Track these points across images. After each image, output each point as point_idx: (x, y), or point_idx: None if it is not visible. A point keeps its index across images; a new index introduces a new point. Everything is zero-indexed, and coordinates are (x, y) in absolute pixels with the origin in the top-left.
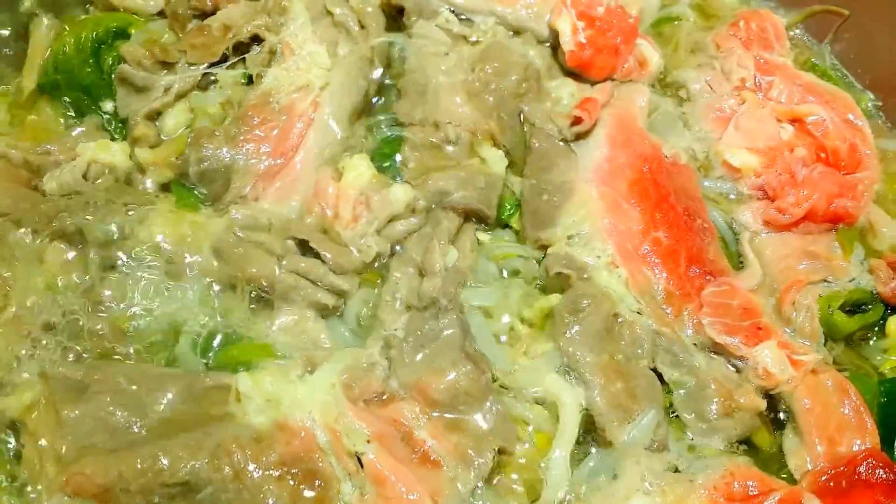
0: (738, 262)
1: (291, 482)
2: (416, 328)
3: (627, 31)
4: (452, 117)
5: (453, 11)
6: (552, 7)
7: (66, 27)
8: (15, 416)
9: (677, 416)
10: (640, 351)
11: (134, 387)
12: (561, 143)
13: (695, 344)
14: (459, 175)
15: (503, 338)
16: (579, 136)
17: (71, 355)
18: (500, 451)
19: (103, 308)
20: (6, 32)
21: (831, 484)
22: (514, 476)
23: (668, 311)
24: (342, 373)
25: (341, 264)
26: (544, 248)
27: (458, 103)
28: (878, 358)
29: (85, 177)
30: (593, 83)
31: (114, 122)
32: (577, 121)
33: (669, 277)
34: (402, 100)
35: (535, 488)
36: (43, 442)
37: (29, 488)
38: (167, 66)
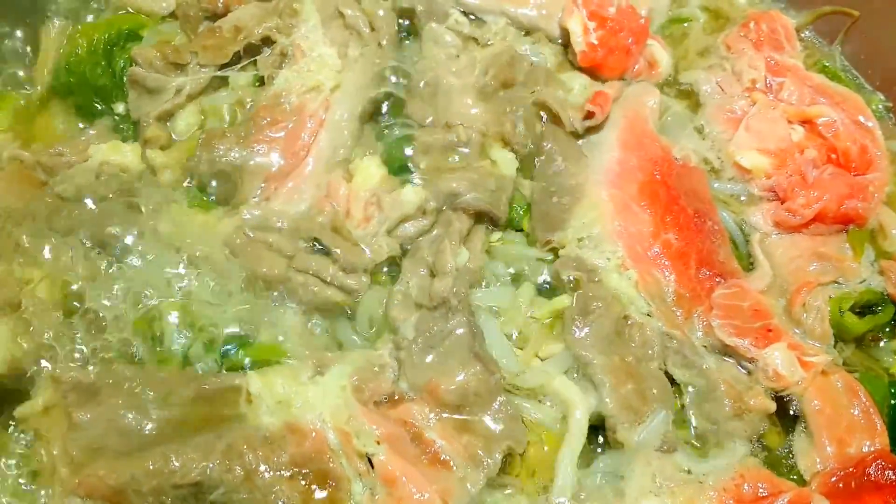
0: (749, 264)
1: (303, 483)
2: (425, 329)
3: (638, 32)
4: (464, 119)
5: (464, 12)
6: (563, 7)
7: (79, 29)
8: (28, 420)
9: (688, 418)
10: (650, 353)
11: (145, 389)
12: (571, 143)
13: (705, 346)
14: (471, 177)
15: (513, 339)
16: (590, 130)
17: (82, 358)
18: (510, 452)
19: (114, 309)
20: (18, 35)
21: (841, 485)
22: (524, 476)
23: (678, 314)
24: (352, 374)
25: (352, 262)
26: (554, 250)
27: (469, 105)
28: (889, 359)
29: (97, 178)
30: (604, 82)
31: (126, 124)
32: (589, 115)
33: (679, 279)
34: (414, 101)
35: (545, 488)
36: (55, 445)
37: (42, 491)
38: (178, 67)
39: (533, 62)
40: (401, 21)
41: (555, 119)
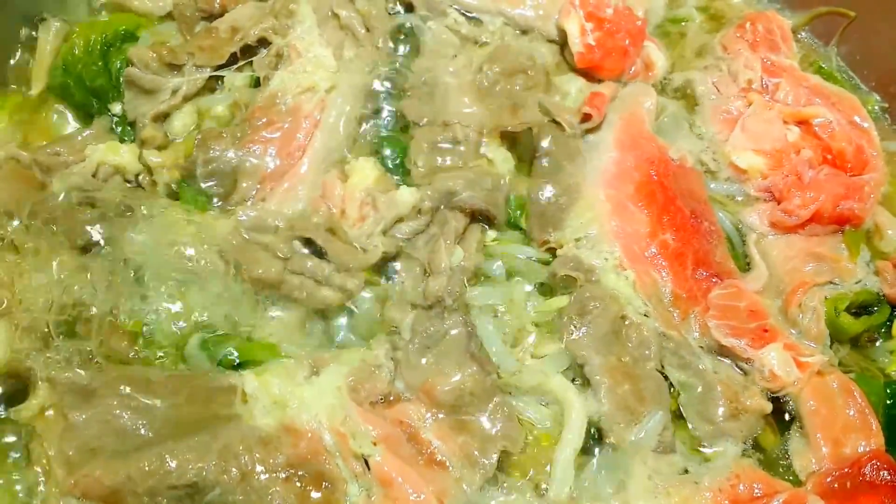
0: (745, 264)
1: (298, 484)
2: (421, 329)
3: (635, 33)
4: (461, 118)
5: (462, 12)
6: (560, 7)
7: (76, 29)
8: (23, 421)
9: (683, 419)
10: (647, 353)
11: (141, 389)
12: (569, 143)
13: (701, 346)
14: (467, 175)
15: (510, 339)
16: (587, 130)
17: (78, 358)
18: (506, 452)
19: (110, 310)
20: (15, 34)
21: (836, 485)
22: (520, 476)
23: (674, 314)
24: (348, 375)
25: (347, 263)
26: (552, 249)
27: (466, 104)
28: (885, 360)
29: (94, 178)
30: (600, 83)
31: (123, 124)
32: (586, 117)
33: (676, 280)
34: (410, 100)
35: (542, 488)
36: (51, 445)
37: (38, 491)
38: (175, 68)
39: (533, 55)
40: (398, 18)
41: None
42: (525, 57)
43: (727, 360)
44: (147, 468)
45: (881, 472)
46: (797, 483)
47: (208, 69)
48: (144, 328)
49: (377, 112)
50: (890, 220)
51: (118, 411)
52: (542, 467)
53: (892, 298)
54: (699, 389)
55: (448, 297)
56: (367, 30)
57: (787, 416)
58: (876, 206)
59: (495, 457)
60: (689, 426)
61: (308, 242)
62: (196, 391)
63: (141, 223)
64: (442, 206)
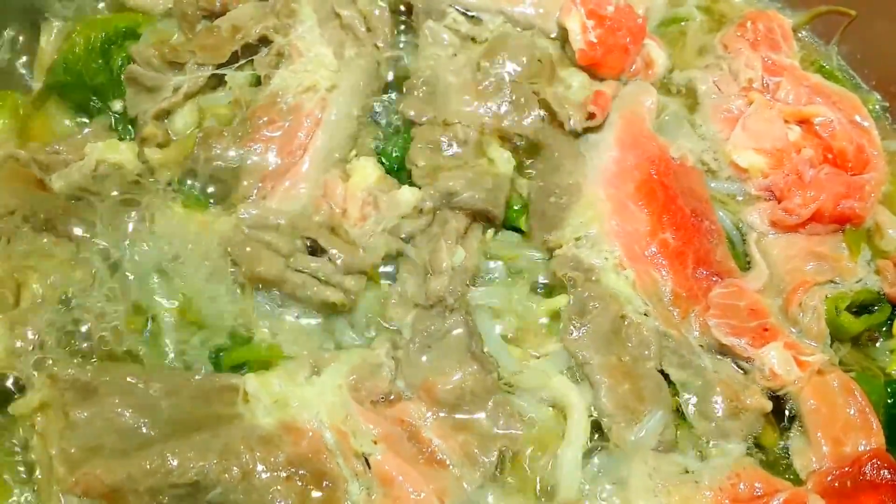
0: (746, 263)
1: (299, 483)
2: (422, 328)
3: (636, 31)
4: (461, 117)
5: (461, 11)
6: (561, 5)
7: (76, 27)
8: (24, 418)
9: (684, 418)
10: (647, 352)
11: (142, 388)
12: (569, 142)
13: (701, 345)
14: (468, 175)
15: (511, 338)
16: (587, 130)
17: (79, 356)
18: (506, 451)
19: (111, 308)
20: (16, 33)
21: (836, 484)
22: (520, 475)
23: (675, 313)
24: (349, 374)
25: (349, 262)
26: (552, 249)
27: (467, 102)
28: (885, 359)
29: (93, 176)
30: (601, 81)
31: (122, 122)
32: (590, 116)
33: (676, 279)
34: (411, 99)
35: (542, 487)
36: (52, 443)
37: (38, 489)
38: (176, 66)
39: (535, 42)
40: (399, 19)
41: (552, 117)
42: (525, 41)
43: (727, 359)
44: (148, 466)
45: (882, 471)
46: (797, 482)
47: (210, 67)
48: (145, 327)
49: (378, 111)
50: (891, 220)
51: (120, 409)
52: (544, 466)
53: (892, 297)
54: (699, 388)
55: (450, 296)
56: (369, 29)
57: (787, 415)
58: (877, 206)
59: (495, 455)
60: (690, 425)
61: (310, 242)
62: (197, 390)
63: (141, 222)
64: (442, 206)
